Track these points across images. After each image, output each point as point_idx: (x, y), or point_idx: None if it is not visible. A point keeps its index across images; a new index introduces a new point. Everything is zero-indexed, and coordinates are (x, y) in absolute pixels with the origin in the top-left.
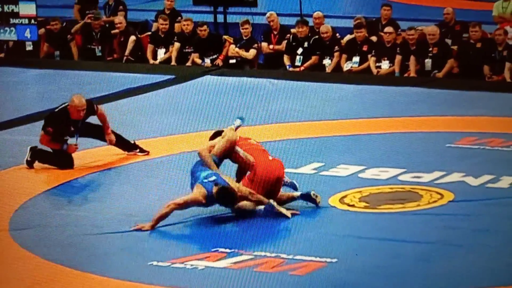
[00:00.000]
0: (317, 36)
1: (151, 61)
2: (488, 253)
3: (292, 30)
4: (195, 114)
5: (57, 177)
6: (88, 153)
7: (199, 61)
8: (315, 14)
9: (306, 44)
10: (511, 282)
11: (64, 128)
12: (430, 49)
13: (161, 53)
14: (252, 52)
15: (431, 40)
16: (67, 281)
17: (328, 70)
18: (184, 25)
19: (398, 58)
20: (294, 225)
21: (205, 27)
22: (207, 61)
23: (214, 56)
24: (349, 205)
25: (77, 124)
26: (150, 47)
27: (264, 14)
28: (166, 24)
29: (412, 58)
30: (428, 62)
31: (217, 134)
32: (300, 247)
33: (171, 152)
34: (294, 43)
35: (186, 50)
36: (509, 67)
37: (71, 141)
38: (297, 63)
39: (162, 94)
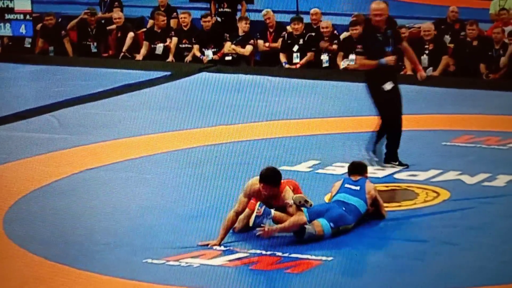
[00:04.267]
0: (312, 33)
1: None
2: (484, 252)
3: (288, 28)
4: (191, 111)
5: (52, 173)
6: (84, 149)
7: (199, 53)
8: (312, 11)
9: (301, 41)
10: (507, 281)
11: (376, 41)
12: (426, 46)
13: (160, 49)
14: (248, 48)
15: (426, 36)
16: (61, 278)
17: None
18: (181, 18)
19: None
20: None
21: (209, 18)
22: (208, 53)
23: (214, 50)
24: None
25: (385, 34)
26: (145, 44)
27: (260, 11)
28: (164, 20)
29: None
30: (424, 59)
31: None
32: (296, 245)
33: (168, 149)
34: (289, 41)
35: (183, 45)
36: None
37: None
38: (295, 60)
39: (158, 90)
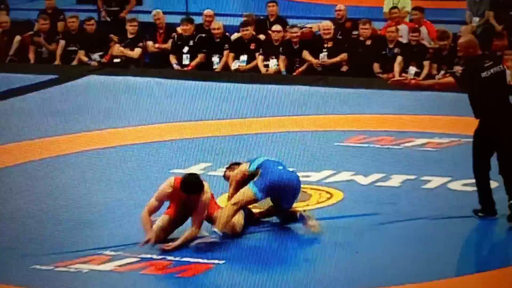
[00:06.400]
0: (203, 34)
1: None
2: (378, 253)
3: (178, 29)
4: (78, 114)
5: None
6: None
7: (85, 58)
8: (205, 12)
9: (191, 43)
10: (401, 281)
11: None
12: (325, 44)
13: (46, 53)
14: (137, 51)
15: (325, 35)
16: None
17: (218, 69)
18: (69, 22)
19: (281, 57)
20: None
21: (92, 21)
22: (95, 57)
23: (101, 53)
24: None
25: None
26: (32, 48)
27: (149, 12)
28: (46, 24)
29: (305, 52)
30: (324, 56)
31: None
32: (187, 249)
33: (56, 154)
34: (179, 42)
35: (71, 48)
36: (400, 61)
37: None
38: (185, 62)
39: (44, 94)
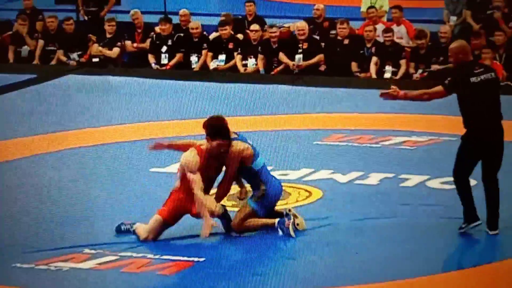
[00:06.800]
0: (181, 34)
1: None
2: (359, 251)
3: (156, 28)
4: (57, 114)
5: None
6: None
7: (64, 58)
8: (181, 12)
9: (170, 42)
10: (383, 279)
11: None
12: (300, 45)
13: (25, 52)
14: (115, 51)
15: (300, 35)
16: None
17: (196, 68)
18: (48, 22)
19: (260, 56)
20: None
21: (71, 21)
22: (74, 56)
23: (80, 53)
24: None
25: None
26: (11, 47)
27: (127, 12)
28: (25, 25)
29: (281, 54)
30: (299, 58)
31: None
32: (167, 247)
33: (29, 154)
34: (157, 42)
35: (50, 48)
36: (375, 61)
37: None
38: (164, 61)
39: (23, 94)
